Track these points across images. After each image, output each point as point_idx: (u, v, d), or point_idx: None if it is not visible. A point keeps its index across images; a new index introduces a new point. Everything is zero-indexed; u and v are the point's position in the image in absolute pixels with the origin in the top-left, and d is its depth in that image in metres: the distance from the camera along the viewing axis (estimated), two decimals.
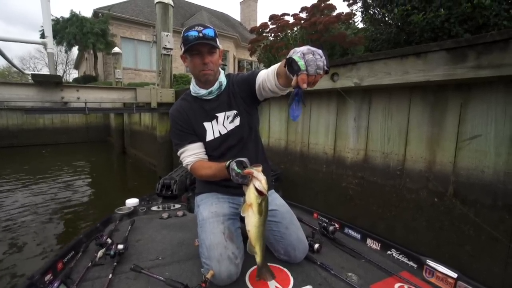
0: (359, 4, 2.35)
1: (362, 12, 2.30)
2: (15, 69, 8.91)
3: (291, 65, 0.75)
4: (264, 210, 0.94)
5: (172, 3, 4.20)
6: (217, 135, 1.23)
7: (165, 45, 4.14)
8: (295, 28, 2.71)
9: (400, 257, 1.30)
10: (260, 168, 0.93)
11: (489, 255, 1.31)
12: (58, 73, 6.08)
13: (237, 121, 1.23)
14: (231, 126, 1.23)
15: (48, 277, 1.06)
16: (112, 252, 1.19)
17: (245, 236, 1.07)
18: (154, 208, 1.96)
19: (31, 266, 2.26)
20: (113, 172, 6.53)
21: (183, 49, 1.10)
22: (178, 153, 1.26)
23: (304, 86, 0.72)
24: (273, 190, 1.40)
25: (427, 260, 1.17)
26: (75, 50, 15.06)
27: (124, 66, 9.80)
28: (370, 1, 2.14)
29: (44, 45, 4.05)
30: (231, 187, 1.23)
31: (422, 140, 1.56)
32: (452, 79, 1.33)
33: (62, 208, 3.68)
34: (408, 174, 1.64)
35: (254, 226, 0.94)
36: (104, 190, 4.74)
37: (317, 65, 0.72)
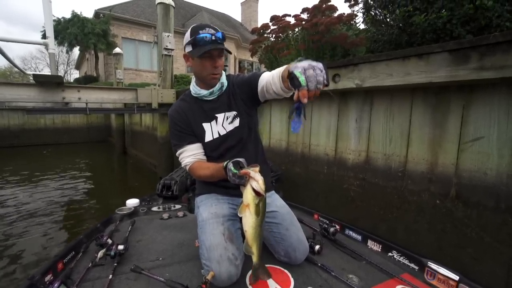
0: (361, 5, 2.34)
1: (363, 13, 2.29)
2: (16, 69, 8.93)
3: (293, 79, 0.78)
4: (261, 210, 0.93)
5: (173, 4, 4.21)
6: (216, 136, 1.23)
7: (166, 46, 4.15)
8: (296, 29, 2.70)
9: (401, 259, 1.29)
10: (257, 169, 0.92)
11: (492, 257, 1.30)
12: (59, 74, 6.08)
13: (236, 122, 1.23)
14: (230, 127, 1.23)
15: (48, 277, 1.06)
16: (112, 253, 1.19)
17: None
18: (155, 208, 1.95)
19: (31, 266, 2.26)
20: (114, 173, 6.54)
21: (190, 49, 1.11)
22: (177, 153, 1.25)
23: (305, 100, 0.76)
24: (273, 191, 1.39)
25: (429, 262, 1.17)
26: (76, 51, 15.17)
27: (125, 66, 9.82)
28: (372, 2, 2.13)
29: (46, 45, 4.06)
30: (230, 188, 1.23)
31: (424, 142, 1.56)
32: (454, 81, 1.32)
33: (62, 208, 3.68)
34: (410, 175, 1.63)
35: (251, 227, 0.93)
36: (105, 190, 4.74)
37: (317, 80, 0.75)
